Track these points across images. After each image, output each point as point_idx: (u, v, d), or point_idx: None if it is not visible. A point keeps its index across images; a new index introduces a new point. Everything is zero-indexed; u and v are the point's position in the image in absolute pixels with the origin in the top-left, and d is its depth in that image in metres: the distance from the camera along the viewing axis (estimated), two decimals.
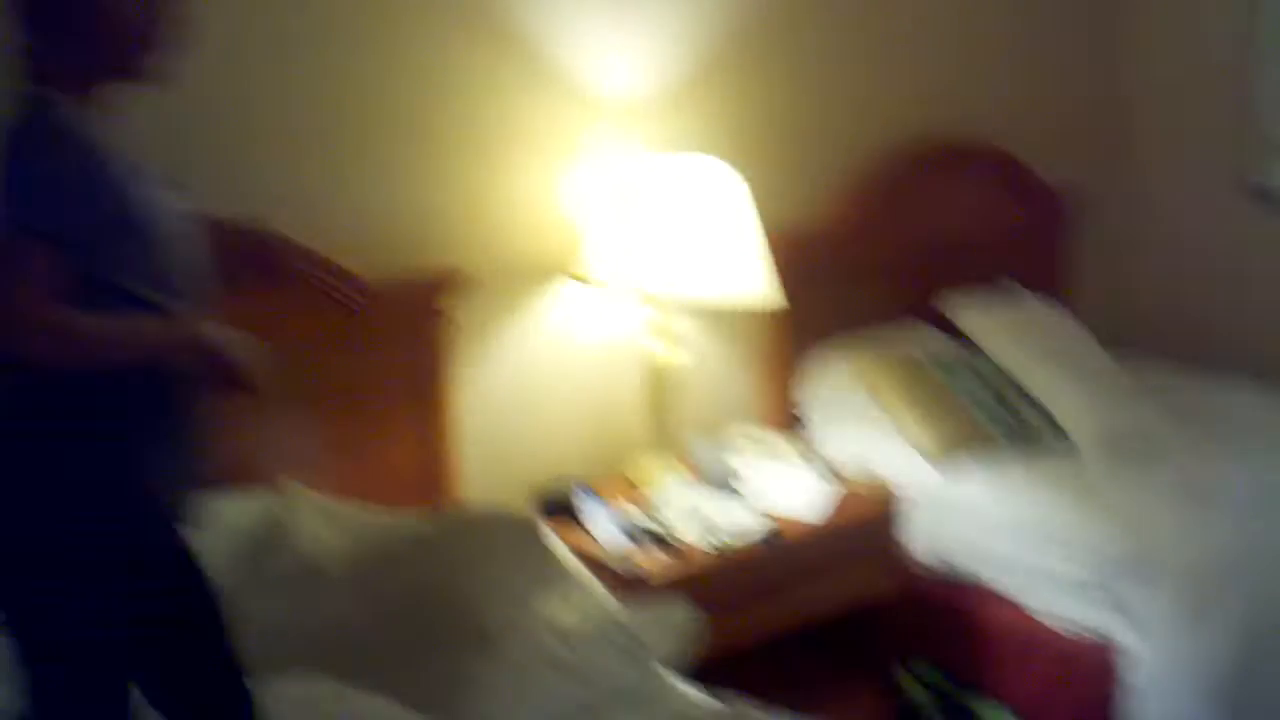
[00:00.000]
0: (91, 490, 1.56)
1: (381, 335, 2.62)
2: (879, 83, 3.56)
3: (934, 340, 3.50)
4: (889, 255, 3.52)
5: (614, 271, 2.89)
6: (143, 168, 1.63)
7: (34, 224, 1.48)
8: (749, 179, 2.95)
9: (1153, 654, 2.70)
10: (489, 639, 1.94)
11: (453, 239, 2.83)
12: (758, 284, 2.92)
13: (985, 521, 3.05)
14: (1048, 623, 2.94)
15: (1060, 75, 4.04)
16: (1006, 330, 3.51)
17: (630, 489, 2.96)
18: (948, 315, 3.56)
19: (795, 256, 3.12)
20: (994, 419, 3.26)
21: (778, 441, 3.17)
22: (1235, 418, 3.45)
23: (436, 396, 2.78)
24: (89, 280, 1.53)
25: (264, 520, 2.23)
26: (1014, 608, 3.00)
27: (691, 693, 2.15)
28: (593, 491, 2.87)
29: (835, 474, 3.11)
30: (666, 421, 3.02)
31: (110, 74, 1.62)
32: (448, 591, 1.99)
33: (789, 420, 3.38)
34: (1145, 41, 4.12)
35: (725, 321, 3.27)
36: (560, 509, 2.80)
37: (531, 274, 2.97)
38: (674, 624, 2.16)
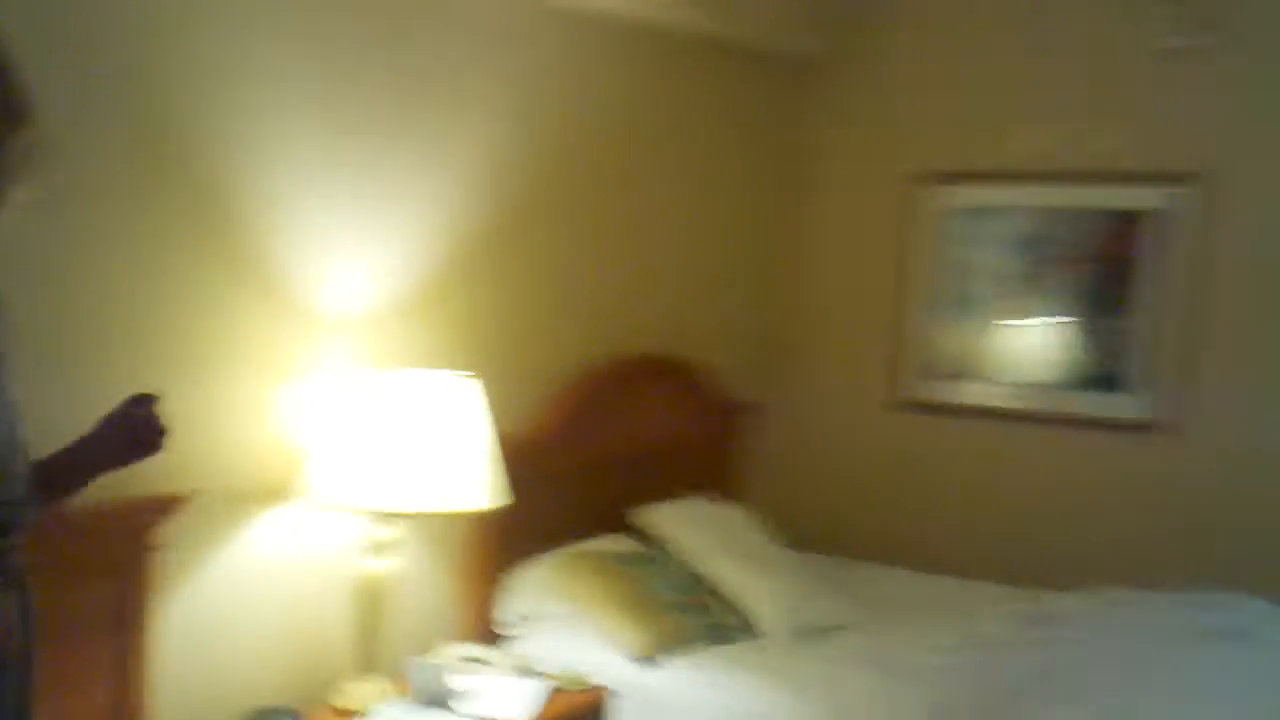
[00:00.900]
0: None
1: (85, 567, 2.49)
2: (588, 299, 3.85)
3: (629, 545, 3.67)
4: (587, 464, 3.70)
5: (332, 489, 2.88)
6: None
7: None
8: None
9: None
10: None
11: (169, 459, 2.71)
12: (482, 490, 2.98)
13: (689, 712, 3.17)
14: None
15: (743, 304, 4.59)
16: (695, 532, 3.74)
17: (341, 715, 2.91)
18: (641, 521, 3.76)
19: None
20: (690, 616, 3.43)
21: (488, 652, 3.22)
22: (900, 599, 3.83)
23: (139, 629, 2.63)
24: None
25: None
26: None
27: None
28: None
29: (544, 676, 3.17)
30: (378, 641, 3.00)
31: None
32: None
33: (497, 630, 3.44)
34: (813, 285, 4.77)
35: (435, 537, 3.32)
36: None
37: (250, 494, 2.90)
38: None
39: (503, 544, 3.45)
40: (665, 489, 3.90)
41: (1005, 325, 4.42)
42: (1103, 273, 4.24)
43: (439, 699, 2.97)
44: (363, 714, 2.87)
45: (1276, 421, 4.02)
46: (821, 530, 4.45)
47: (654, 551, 3.67)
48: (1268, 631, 3.44)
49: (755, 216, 4.63)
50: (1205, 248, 4.09)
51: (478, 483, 2.97)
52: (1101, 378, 4.25)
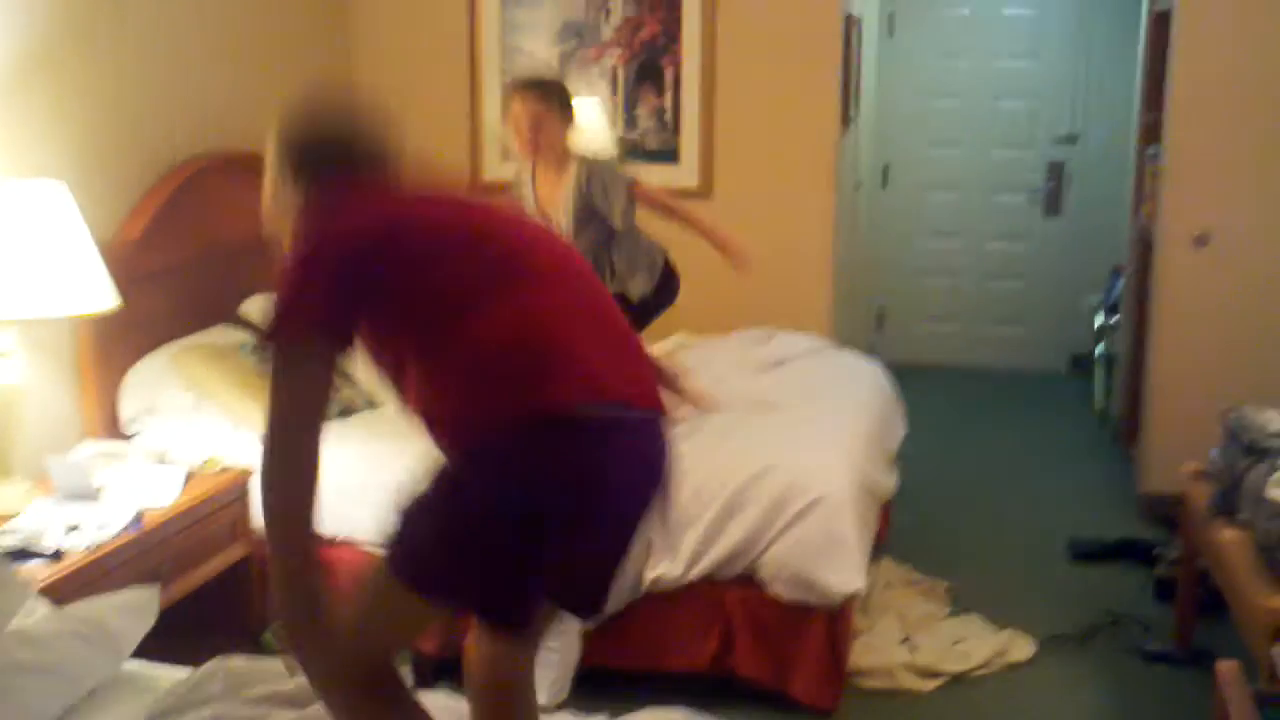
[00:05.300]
0: None
1: None
2: (174, 96, 3.79)
3: (241, 335, 3.77)
4: (186, 262, 3.73)
5: None
6: None
7: None
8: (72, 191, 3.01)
9: None
10: None
11: None
12: (90, 293, 3.00)
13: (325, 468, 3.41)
14: None
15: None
16: None
17: None
18: (249, 311, 3.86)
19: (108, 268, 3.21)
20: None
21: (121, 447, 3.28)
22: None
23: None
24: None
25: None
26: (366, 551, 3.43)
27: (158, 669, 2.30)
28: None
29: (180, 464, 3.28)
30: (12, 446, 2.99)
31: None
32: None
33: (124, 429, 3.48)
34: (391, 74, 4.89)
35: (49, 344, 3.29)
36: None
37: None
38: (138, 605, 2.28)
39: (118, 345, 3.47)
40: (265, 281, 3.99)
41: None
42: (646, 55, 4.69)
43: (83, 493, 3.02)
44: (14, 514, 2.88)
45: (787, 187, 4.68)
46: None
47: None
48: (800, 359, 4.21)
49: (328, 11, 4.67)
50: (711, 30, 4.62)
51: (81, 286, 2.98)
52: (658, 151, 4.74)
